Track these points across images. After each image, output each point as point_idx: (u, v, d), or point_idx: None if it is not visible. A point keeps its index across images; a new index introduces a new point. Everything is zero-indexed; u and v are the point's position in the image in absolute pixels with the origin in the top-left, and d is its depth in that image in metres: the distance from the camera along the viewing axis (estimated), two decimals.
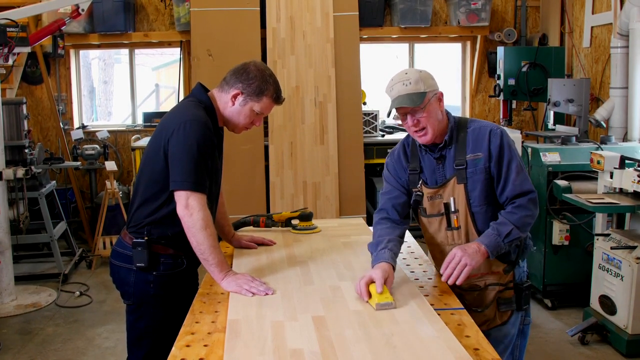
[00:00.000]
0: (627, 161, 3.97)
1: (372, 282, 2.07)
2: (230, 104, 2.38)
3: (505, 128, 2.34)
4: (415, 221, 2.58)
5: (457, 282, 2.15)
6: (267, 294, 2.13)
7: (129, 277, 2.41)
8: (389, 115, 2.36)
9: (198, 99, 2.40)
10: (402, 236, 2.42)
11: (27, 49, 5.01)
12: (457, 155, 2.32)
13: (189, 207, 2.21)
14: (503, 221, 2.24)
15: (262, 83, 2.35)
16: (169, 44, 6.65)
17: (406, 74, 2.29)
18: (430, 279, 2.40)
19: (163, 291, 2.41)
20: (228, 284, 2.21)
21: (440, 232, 2.41)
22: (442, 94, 2.34)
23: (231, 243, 2.77)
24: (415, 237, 3.03)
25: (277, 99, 2.41)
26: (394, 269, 2.21)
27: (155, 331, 2.42)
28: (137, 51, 6.94)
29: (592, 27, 5.85)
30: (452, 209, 2.34)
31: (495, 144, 2.27)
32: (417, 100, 2.24)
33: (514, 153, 2.30)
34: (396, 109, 2.29)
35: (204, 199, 2.24)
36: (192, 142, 2.23)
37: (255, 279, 2.22)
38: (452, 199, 2.33)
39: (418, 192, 2.41)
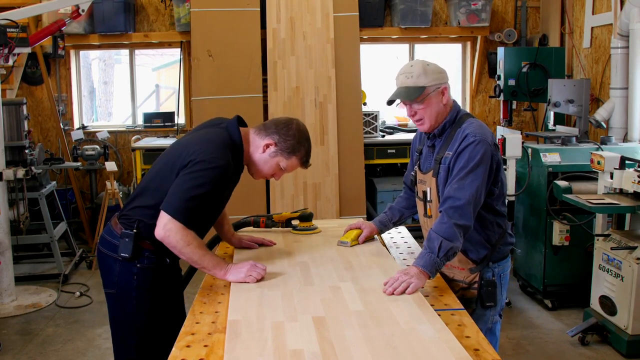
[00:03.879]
0: (627, 162, 3.97)
1: (356, 228, 2.75)
2: (261, 150, 2.41)
3: (485, 139, 2.28)
4: (416, 221, 2.68)
5: (395, 293, 2.12)
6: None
7: (115, 266, 2.44)
8: (389, 103, 2.47)
9: (231, 136, 2.40)
10: (409, 207, 2.75)
11: (27, 50, 5.01)
12: (441, 149, 2.41)
13: (166, 230, 2.22)
14: (432, 237, 2.25)
15: (297, 143, 2.40)
16: (169, 45, 6.65)
17: (412, 66, 2.39)
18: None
19: (146, 284, 2.43)
20: (234, 276, 2.28)
21: (421, 216, 2.58)
22: (446, 88, 2.39)
23: (231, 242, 2.78)
24: (415, 237, 3.04)
25: (305, 162, 2.47)
26: (378, 229, 2.76)
27: (138, 324, 2.45)
28: (137, 52, 6.94)
29: (592, 28, 5.85)
30: (428, 198, 2.47)
31: (462, 146, 2.31)
32: (413, 95, 2.34)
33: (473, 162, 2.26)
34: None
35: (182, 227, 2.23)
36: (199, 185, 2.23)
37: (257, 265, 2.29)
38: (428, 189, 2.45)
39: (412, 173, 2.61)
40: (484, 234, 2.42)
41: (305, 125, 2.52)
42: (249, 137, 2.45)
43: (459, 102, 7.02)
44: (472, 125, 2.35)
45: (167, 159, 2.41)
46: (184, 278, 2.76)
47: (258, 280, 2.26)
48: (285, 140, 2.39)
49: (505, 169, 4.62)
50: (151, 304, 2.44)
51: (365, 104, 6.25)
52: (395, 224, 2.82)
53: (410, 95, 2.35)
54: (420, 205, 2.58)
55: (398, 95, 2.38)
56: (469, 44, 6.97)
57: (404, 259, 2.65)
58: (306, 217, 2.98)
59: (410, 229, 3.18)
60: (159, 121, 6.76)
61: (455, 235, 2.22)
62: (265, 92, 5.87)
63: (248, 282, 2.25)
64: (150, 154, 5.98)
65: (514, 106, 6.28)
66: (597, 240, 4.03)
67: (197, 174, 2.24)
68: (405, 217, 2.79)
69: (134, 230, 2.37)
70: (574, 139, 4.74)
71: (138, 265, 2.41)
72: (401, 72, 2.39)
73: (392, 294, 2.11)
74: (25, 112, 5.38)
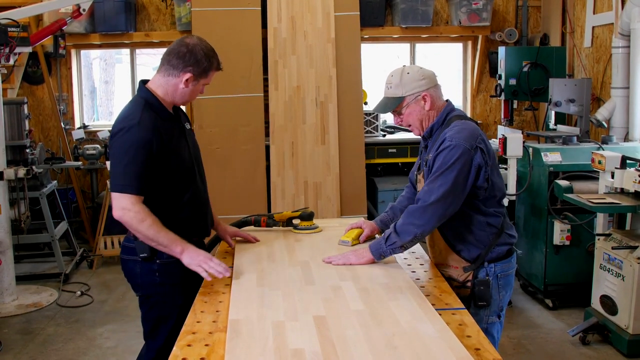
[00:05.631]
0: (628, 161, 3.97)
1: (358, 227, 2.76)
2: (182, 86, 2.44)
3: (461, 143, 2.30)
4: None
5: (332, 264, 2.41)
6: (224, 275, 2.29)
7: (136, 269, 2.49)
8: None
9: (143, 97, 2.45)
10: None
11: (28, 49, 5.02)
12: (430, 150, 2.44)
13: (119, 209, 2.32)
14: (391, 226, 2.37)
15: (209, 62, 2.45)
16: (170, 44, 6.63)
17: (392, 76, 2.45)
18: (431, 279, 2.41)
19: (169, 279, 2.47)
20: (188, 259, 2.35)
21: None
22: (427, 95, 2.41)
23: (216, 230, 2.84)
24: None
25: (219, 67, 2.52)
26: (379, 228, 2.76)
27: (168, 320, 2.48)
28: (138, 51, 6.93)
29: (593, 27, 5.84)
30: None
31: (439, 150, 2.34)
32: (390, 106, 2.44)
33: (445, 167, 2.29)
34: None
35: (134, 198, 2.32)
36: (121, 148, 2.33)
37: (213, 259, 2.35)
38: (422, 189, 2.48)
39: (415, 173, 2.66)
40: (474, 234, 2.42)
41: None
42: (159, 84, 2.47)
43: (460, 102, 7.07)
44: (454, 128, 2.36)
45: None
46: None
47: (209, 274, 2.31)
48: (199, 66, 2.42)
49: (506, 169, 4.62)
50: (178, 299, 2.47)
51: (366, 103, 6.24)
52: None
53: (388, 106, 2.44)
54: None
55: (378, 107, 2.49)
56: (469, 44, 6.97)
57: (404, 258, 2.65)
58: (307, 216, 2.98)
59: None
60: None
61: (405, 233, 2.32)
62: (266, 91, 5.87)
63: (197, 271, 2.33)
64: None
65: (515, 106, 6.28)
66: (598, 239, 4.03)
67: (118, 144, 2.34)
68: None
69: None
70: (575, 138, 4.74)
71: (158, 262, 2.46)
72: (386, 82, 2.47)
73: (330, 263, 2.40)
74: (26, 111, 5.38)
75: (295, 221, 3.00)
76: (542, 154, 4.55)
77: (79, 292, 5.02)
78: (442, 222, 2.34)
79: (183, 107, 2.73)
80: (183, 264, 2.44)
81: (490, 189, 2.39)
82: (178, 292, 2.49)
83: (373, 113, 6.28)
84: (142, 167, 2.33)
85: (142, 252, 2.43)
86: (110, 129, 2.52)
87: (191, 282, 2.46)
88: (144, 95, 2.46)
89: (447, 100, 2.49)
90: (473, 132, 2.36)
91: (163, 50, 2.69)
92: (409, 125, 2.50)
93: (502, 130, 5.94)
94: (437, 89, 2.45)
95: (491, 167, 2.37)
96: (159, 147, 2.36)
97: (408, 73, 2.41)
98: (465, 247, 2.44)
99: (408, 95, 2.40)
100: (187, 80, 2.43)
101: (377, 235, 2.83)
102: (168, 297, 2.49)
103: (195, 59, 2.41)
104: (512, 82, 5.82)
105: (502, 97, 5.93)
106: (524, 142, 4.62)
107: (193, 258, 2.35)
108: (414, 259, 2.65)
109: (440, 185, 2.28)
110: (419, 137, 2.59)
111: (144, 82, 2.52)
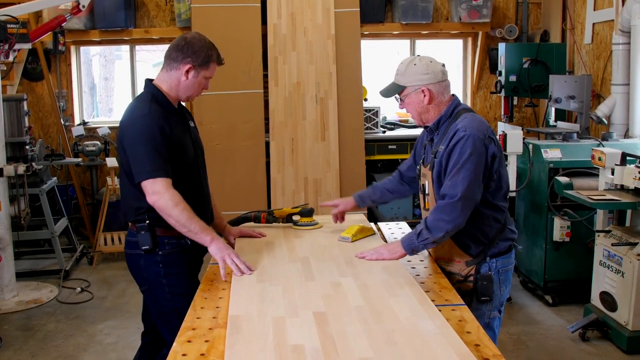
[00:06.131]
0: (628, 158, 3.97)
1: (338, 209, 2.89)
2: (184, 78, 2.50)
3: (475, 133, 2.32)
4: (417, 217, 2.72)
5: (366, 259, 2.44)
6: (244, 273, 2.30)
7: (140, 262, 2.52)
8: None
9: (150, 93, 2.52)
10: (392, 191, 2.85)
11: (28, 46, 5.01)
12: (437, 143, 2.45)
13: (154, 194, 2.35)
14: (422, 221, 2.38)
15: (207, 52, 2.51)
16: (170, 41, 6.47)
17: (401, 63, 2.48)
18: (431, 275, 2.41)
19: (173, 269, 2.50)
20: (215, 249, 2.36)
21: (422, 210, 2.64)
22: (427, 90, 2.43)
23: (221, 234, 2.84)
24: None
25: (220, 61, 2.57)
26: (356, 203, 2.87)
27: (182, 311, 2.47)
28: (137, 47, 6.91)
29: (593, 24, 5.83)
30: (426, 191, 2.52)
31: (453, 142, 2.35)
32: (392, 92, 2.50)
33: (464, 158, 2.30)
34: None
35: (165, 181, 2.36)
36: (140, 137, 2.38)
37: (238, 258, 2.35)
38: (426, 182, 2.50)
39: (418, 167, 2.64)
40: (480, 229, 2.43)
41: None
42: (162, 81, 2.54)
43: (460, 98, 6.99)
44: (465, 119, 2.38)
45: (116, 145, 2.58)
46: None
47: (227, 273, 2.31)
48: (198, 56, 2.48)
49: (507, 165, 4.62)
50: (184, 289, 2.49)
51: (366, 99, 6.24)
52: (375, 202, 2.93)
53: (390, 92, 2.49)
54: (420, 198, 2.63)
55: (383, 90, 2.52)
56: (470, 40, 6.96)
57: None
58: (307, 212, 2.99)
59: (411, 225, 3.18)
60: None
61: (437, 229, 2.31)
62: (265, 87, 5.87)
63: (219, 264, 2.33)
64: None
65: (515, 102, 6.27)
66: (598, 236, 4.03)
67: (132, 135, 2.40)
68: (385, 198, 2.88)
69: (147, 221, 2.45)
70: (575, 135, 4.74)
71: (160, 253, 2.49)
72: (396, 67, 2.51)
73: (363, 258, 2.44)
74: (25, 108, 5.37)
75: (295, 217, 3.00)
76: (542, 150, 4.55)
77: (79, 289, 5.03)
78: (470, 214, 2.34)
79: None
80: (185, 254, 2.50)
81: (498, 181, 2.42)
82: (183, 282, 2.51)
83: (373, 109, 6.28)
84: (163, 151, 2.38)
85: (144, 244, 2.46)
86: (110, 126, 2.54)
87: (196, 272, 2.49)
88: (150, 90, 2.52)
89: (453, 95, 2.51)
90: (483, 122, 2.41)
91: (163, 46, 2.74)
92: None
93: (502, 126, 5.94)
94: (440, 85, 2.44)
95: (499, 158, 2.40)
96: (169, 135, 2.42)
97: (415, 64, 2.43)
98: (470, 242, 2.44)
99: (409, 87, 2.44)
100: (187, 71, 2.48)
101: (376, 232, 2.86)
102: (173, 288, 2.51)
103: (193, 50, 2.47)
104: (512, 78, 5.81)
105: (502, 94, 5.92)
106: (524, 138, 4.62)
107: (220, 250, 2.37)
108: (414, 255, 2.64)
109: (463, 177, 2.29)
110: (412, 132, 2.61)
111: (150, 80, 2.57)
